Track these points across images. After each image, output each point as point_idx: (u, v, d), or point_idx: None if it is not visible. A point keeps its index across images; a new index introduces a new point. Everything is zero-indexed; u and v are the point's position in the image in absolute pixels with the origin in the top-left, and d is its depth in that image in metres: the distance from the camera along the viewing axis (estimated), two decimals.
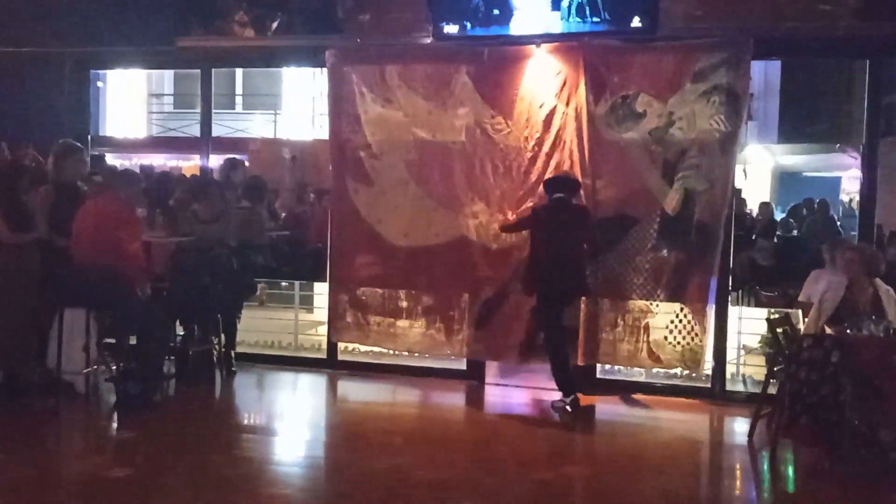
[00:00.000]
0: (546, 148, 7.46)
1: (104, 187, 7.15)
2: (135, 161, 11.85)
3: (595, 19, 7.21)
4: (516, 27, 7.44)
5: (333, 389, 8.06)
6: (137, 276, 6.80)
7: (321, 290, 8.83)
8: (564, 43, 7.38)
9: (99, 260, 6.57)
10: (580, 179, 7.28)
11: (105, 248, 6.60)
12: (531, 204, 7.37)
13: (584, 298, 7.32)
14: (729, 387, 7.58)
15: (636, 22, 7.15)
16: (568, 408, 7.05)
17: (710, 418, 7.28)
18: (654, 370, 7.66)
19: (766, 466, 6.06)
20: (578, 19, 7.24)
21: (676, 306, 7.25)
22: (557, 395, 7.14)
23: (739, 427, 6.83)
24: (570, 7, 7.24)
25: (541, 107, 7.47)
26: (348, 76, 7.93)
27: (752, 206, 11.11)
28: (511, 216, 7.48)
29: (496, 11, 7.43)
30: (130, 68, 10.53)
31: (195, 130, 9.40)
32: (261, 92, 18.05)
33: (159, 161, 14.30)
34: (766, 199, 12.90)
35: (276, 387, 8.09)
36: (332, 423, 7.20)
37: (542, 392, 7.49)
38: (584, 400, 7.35)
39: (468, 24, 7.48)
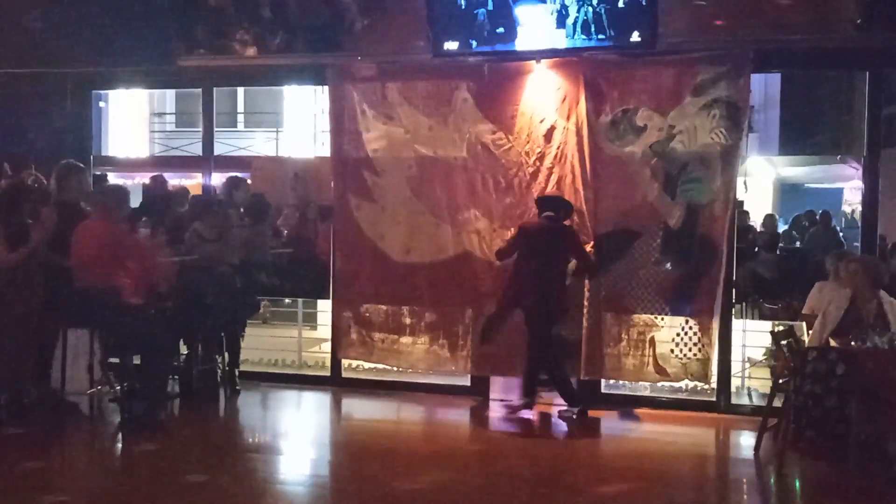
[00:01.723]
0: (547, 163, 7.48)
1: (98, 206, 7.12)
2: (137, 180, 11.83)
3: (601, 36, 7.20)
4: (521, 45, 7.44)
5: (338, 407, 8.04)
6: (138, 293, 6.80)
7: (324, 308, 8.83)
8: (564, 58, 7.41)
9: (98, 280, 6.57)
10: (582, 193, 7.31)
11: (102, 268, 6.59)
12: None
13: (585, 313, 7.31)
14: (734, 400, 7.56)
15: (635, 36, 7.16)
16: (574, 416, 7.14)
17: (716, 432, 7.25)
18: (660, 384, 7.64)
19: (772, 480, 6.05)
20: (584, 36, 7.22)
21: (682, 319, 7.25)
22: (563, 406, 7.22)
23: (745, 440, 6.81)
24: (575, 24, 7.23)
25: (541, 122, 7.49)
26: (349, 93, 7.96)
27: (755, 219, 11.10)
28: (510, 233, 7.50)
29: (501, 29, 7.44)
30: (132, 88, 10.54)
31: (197, 149, 9.42)
32: (262, 110, 18.10)
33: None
34: (769, 211, 12.89)
35: (280, 405, 8.08)
36: (336, 440, 7.19)
37: (546, 407, 7.47)
38: (589, 414, 7.37)
39: (474, 42, 7.47)
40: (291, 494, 5.67)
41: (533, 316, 7.18)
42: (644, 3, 7.08)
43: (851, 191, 13.92)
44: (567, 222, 7.25)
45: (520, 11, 7.36)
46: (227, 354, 7.92)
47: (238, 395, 7.89)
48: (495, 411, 7.61)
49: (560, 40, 7.32)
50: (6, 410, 6.80)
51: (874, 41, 7.10)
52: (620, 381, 7.77)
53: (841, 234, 11.13)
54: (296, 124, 16.66)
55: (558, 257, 7.19)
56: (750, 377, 8.05)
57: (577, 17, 7.23)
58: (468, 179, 7.69)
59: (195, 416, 7.38)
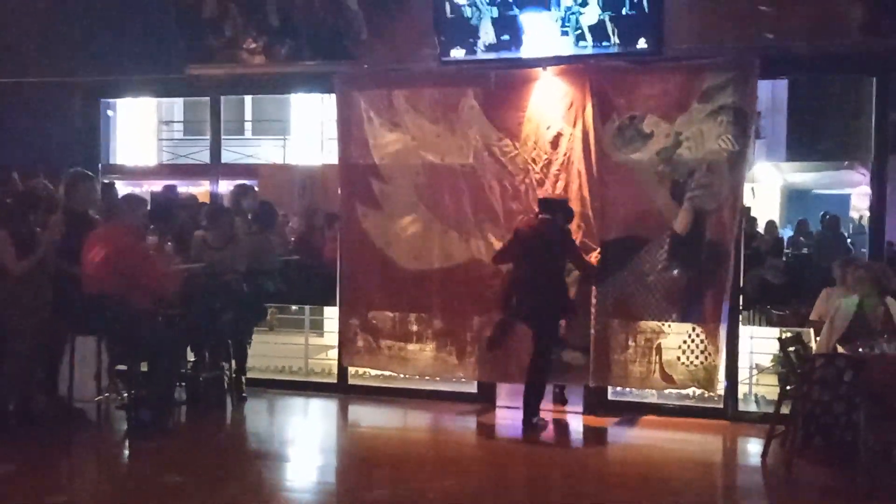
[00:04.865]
0: (554, 169, 7.47)
1: (109, 214, 7.19)
2: (145, 188, 11.90)
3: (605, 43, 7.21)
4: (526, 52, 7.46)
5: (344, 414, 8.04)
6: (147, 300, 6.82)
7: (331, 315, 8.84)
8: (571, 65, 7.41)
9: (108, 287, 6.59)
10: (589, 200, 7.29)
11: (113, 276, 6.61)
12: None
13: (593, 320, 7.29)
14: (741, 407, 7.53)
15: (642, 43, 7.17)
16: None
17: (723, 439, 7.24)
18: (667, 391, 7.62)
19: (779, 487, 6.02)
20: (586, 44, 7.24)
21: (688, 326, 7.22)
22: (572, 418, 7.15)
23: (753, 447, 6.79)
24: (579, 32, 7.26)
25: (548, 129, 7.49)
26: (356, 101, 7.98)
27: (762, 225, 11.08)
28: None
29: (506, 37, 7.46)
30: (140, 96, 10.60)
31: (205, 157, 9.46)
32: (270, 118, 18.14)
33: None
34: (776, 217, 12.90)
35: (287, 412, 8.09)
36: (343, 448, 7.19)
37: (552, 414, 7.46)
38: (596, 422, 7.37)
39: (478, 50, 7.50)
40: (298, 501, 5.68)
41: (533, 322, 7.16)
42: (647, 11, 7.11)
43: (859, 196, 13.90)
44: (569, 226, 7.20)
45: (524, 18, 7.39)
46: (233, 361, 7.92)
47: (245, 402, 7.89)
48: (503, 419, 7.60)
49: (565, 47, 7.34)
50: (15, 417, 6.83)
51: (881, 46, 7.09)
52: (627, 389, 7.74)
53: (849, 240, 11.10)
54: (303, 132, 16.67)
55: (551, 259, 7.10)
56: (757, 384, 8.02)
57: (580, 25, 7.25)
58: (475, 186, 7.68)
59: (202, 423, 7.39)
